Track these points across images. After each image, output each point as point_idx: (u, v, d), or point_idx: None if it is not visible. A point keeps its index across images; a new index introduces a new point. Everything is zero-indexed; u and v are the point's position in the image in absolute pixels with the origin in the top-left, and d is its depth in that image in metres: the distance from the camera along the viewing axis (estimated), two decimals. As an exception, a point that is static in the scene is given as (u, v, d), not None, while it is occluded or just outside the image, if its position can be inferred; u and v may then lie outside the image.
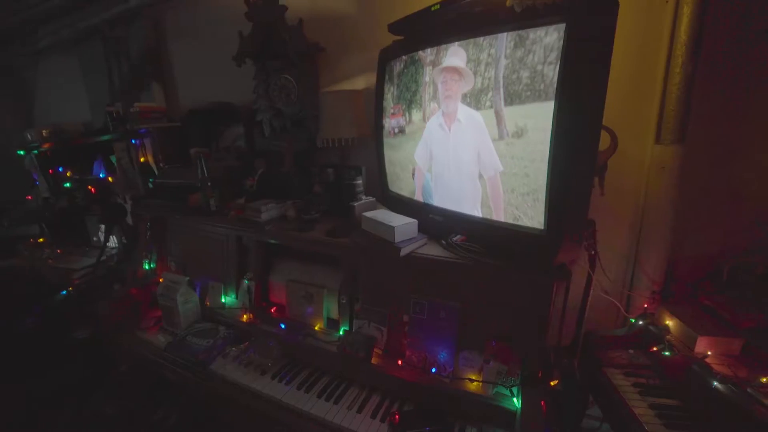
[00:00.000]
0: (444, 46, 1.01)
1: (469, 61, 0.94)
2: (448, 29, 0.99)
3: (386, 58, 1.24)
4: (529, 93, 0.82)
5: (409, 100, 1.16)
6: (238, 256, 1.48)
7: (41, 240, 2.64)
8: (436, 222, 1.12)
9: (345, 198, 1.28)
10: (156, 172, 1.86)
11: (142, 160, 1.89)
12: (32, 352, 2.37)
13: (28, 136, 2.49)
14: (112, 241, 2.22)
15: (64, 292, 2.08)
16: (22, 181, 3.12)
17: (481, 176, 0.97)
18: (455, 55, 0.98)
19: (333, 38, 1.58)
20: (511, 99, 0.86)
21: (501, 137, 0.90)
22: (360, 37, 1.53)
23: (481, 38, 0.91)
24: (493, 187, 0.95)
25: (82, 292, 2.03)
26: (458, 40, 0.97)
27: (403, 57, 1.15)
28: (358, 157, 1.53)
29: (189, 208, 1.55)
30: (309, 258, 1.37)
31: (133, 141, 1.87)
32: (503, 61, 0.86)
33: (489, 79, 0.90)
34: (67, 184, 2.44)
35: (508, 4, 0.78)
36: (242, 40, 1.59)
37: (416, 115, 1.16)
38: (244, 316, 1.44)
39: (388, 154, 1.30)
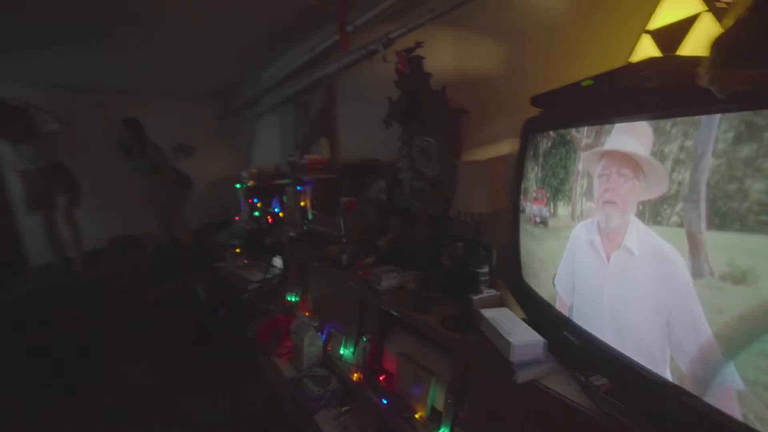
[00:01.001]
0: (608, 126, 0.76)
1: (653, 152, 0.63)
2: (612, 105, 0.76)
3: (531, 129, 1.06)
4: (760, 217, 0.50)
5: (555, 188, 0.92)
6: (360, 314, 1.52)
7: (238, 251, 3.38)
8: (570, 342, 0.86)
9: (467, 284, 1.12)
10: (309, 217, 2.13)
11: (301, 204, 2.20)
12: (221, 338, 3.02)
13: (242, 174, 3.27)
14: (278, 263, 2.65)
15: (246, 295, 2.56)
16: (235, 207, 4.15)
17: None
18: (630, 134, 0.69)
19: (477, 100, 1.51)
20: (723, 220, 0.54)
21: (700, 275, 0.58)
22: (506, 100, 1.40)
23: (667, 122, 0.62)
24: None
25: (253, 300, 2.46)
26: (630, 119, 0.70)
27: (551, 133, 0.95)
28: (492, 232, 1.37)
29: (326, 257, 1.69)
30: (425, 335, 1.28)
31: (298, 187, 2.21)
32: (709, 160, 0.56)
33: (680, 183, 0.61)
34: (257, 213, 3.09)
35: (701, 83, 0.53)
36: (391, 104, 1.69)
37: (563, 209, 0.91)
38: (355, 375, 1.44)
39: (526, 243, 1.07)
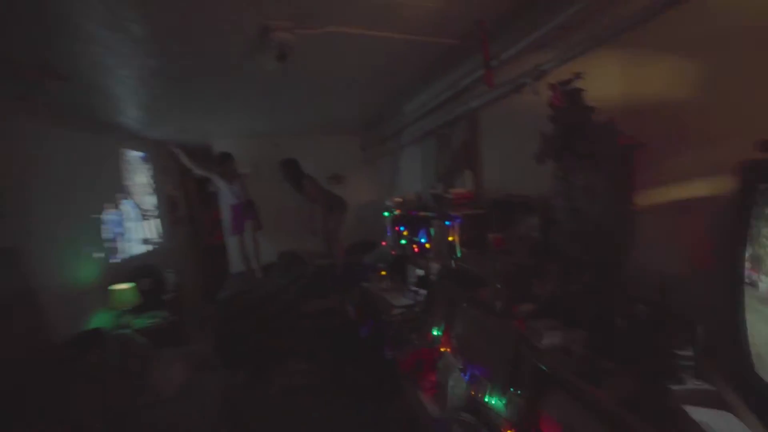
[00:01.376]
0: None
1: None
2: None
3: (757, 178, 0.83)
4: None
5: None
6: (516, 365, 1.44)
7: (383, 273, 3.65)
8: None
9: (658, 365, 0.91)
10: (458, 253, 2.16)
11: (450, 239, 2.25)
12: (365, 354, 3.32)
13: (388, 202, 3.56)
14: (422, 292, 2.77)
15: (390, 319, 2.75)
16: (380, 230, 4.53)
17: None
18: None
19: (656, 132, 1.28)
20: None
21: None
22: (701, 131, 1.15)
23: None
24: None
25: (395, 324, 2.63)
26: None
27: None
28: (686, 296, 1.12)
29: (477, 299, 1.68)
30: (596, 409, 1.13)
31: (447, 222, 2.27)
32: None
33: None
34: (403, 241, 3.30)
35: None
36: (544, 140, 1.58)
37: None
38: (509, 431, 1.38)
39: (758, 326, 0.81)
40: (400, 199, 3.43)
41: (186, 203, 5.59)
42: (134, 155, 4.08)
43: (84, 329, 2.59)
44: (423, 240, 2.88)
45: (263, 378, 3.40)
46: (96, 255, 2.96)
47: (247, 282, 3.77)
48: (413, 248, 3.13)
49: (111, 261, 3.18)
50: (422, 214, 2.81)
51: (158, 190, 4.51)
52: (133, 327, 2.84)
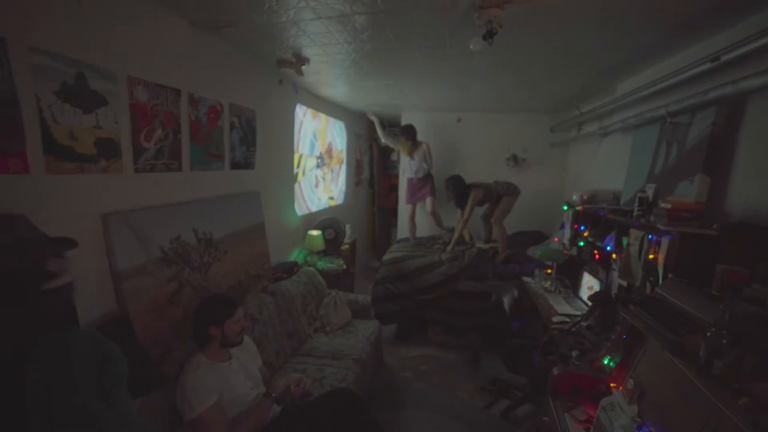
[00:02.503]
0: None
1: None
2: None
3: None
4: None
5: None
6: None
7: (549, 272, 3.27)
8: None
9: None
10: (659, 276, 1.70)
11: (650, 257, 1.78)
12: (508, 351, 3.13)
13: (574, 196, 3.09)
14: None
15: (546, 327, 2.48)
16: (552, 223, 4.02)
17: None
18: None
19: None
20: None
21: None
22: None
23: None
24: None
25: (553, 333, 2.34)
26: None
27: None
28: None
29: (680, 345, 1.29)
30: None
31: (650, 236, 1.80)
32: None
33: None
34: (581, 243, 2.83)
35: None
36: None
37: None
38: None
39: None
40: (587, 195, 2.92)
41: (369, 168, 6.30)
42: (337, 123, 4.78)
43: (286, 261, 3.31)
44: (609, 248, 2.39)
45: (406, 337, 3.67)
46: (299, 204, 3.68)
47: (410, 249, 4.02)
48: (593, 254, 2.65)
49: (309, 211, 3.91)
50: (612, 216, 2.32)
51: (349, 154, 5.20)
52: (316, 267, 3.45)
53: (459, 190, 3.98)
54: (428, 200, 4.34)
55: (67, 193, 1.46)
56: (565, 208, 3.18)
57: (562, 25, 1.89)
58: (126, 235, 1.63)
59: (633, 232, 2.01)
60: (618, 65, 2.52)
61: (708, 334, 1.16)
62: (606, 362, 1.66)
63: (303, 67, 2.73)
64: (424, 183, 4.34)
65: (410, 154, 4.27)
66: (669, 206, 1.72)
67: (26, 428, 0.81)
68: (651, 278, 1.71)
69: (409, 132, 4.24)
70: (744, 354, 1.12)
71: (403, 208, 5.11)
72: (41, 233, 0.99)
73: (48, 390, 0.83)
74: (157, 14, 1.80)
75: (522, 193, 4.74)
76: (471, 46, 1.80)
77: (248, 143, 2.65)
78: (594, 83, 3.02)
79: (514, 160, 4.75)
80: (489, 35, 1.63)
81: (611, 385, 1.52)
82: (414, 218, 4.52)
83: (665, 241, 1.69)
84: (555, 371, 1.69)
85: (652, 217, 1.86)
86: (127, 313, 1.58)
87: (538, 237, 4.27)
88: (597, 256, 2.57)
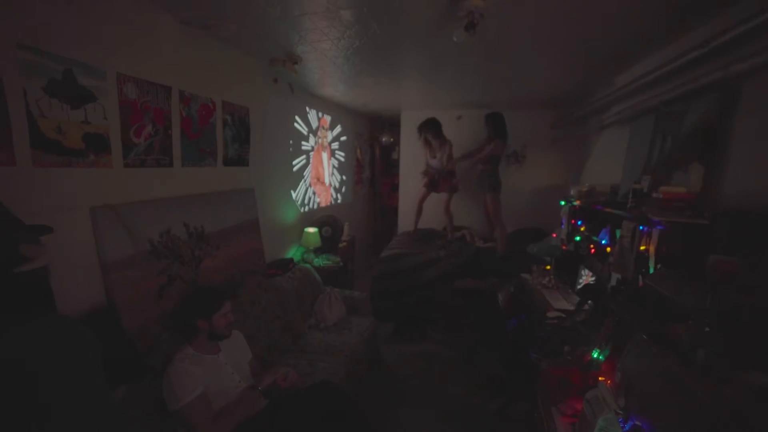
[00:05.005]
0: None
1: None
2: None
3: None
4: None
5: None
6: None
7: (548, 267, 3.23)
8: None
9: None
10: (650, 268, 1.66)
11: (642, 248, 1.74)
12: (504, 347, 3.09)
13: (571, 191, 3.04)
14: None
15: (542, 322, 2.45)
16: (552, 220, 3.98)
17: None
18: None
19: None
20: None
21: None
22: None
23: None
24: None
25: (549, 329, 2.30)
26: None
27: None
28: None
29: (662, 335, 1.26)
30: None
31: (641, 227, 1.76)
32: None
33: None
34: (577, 238, 2.79)
35: None
36: None
37: None
38: None
39: None
40: (584, 189, 2.88)
41: (370, 168, 6.31)
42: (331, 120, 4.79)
43: (282, 257, 3.33)
44: (604, 241, 2.35)
45: (404, 335, 3.65)
46: (296, 202, 3.70)
47: (410, 245, 4.00)
48: (589, 248, 2.61)
49: (306, 209, 3.93)
50: (608, 210, 2.28)
51: (348, 153, 5.21)
52: (312, 264, 3.46)
53: (500, 125, 3.91)
54: (448, 196, 4.17)
55: (56, 186, 1.49)
56: (563, 203, 3.14)
57: (545, 14, 1.86)
58: (115, 228, 1.65)
59: (625, 224, 1.97)
60: (617, 55, 2.47)
61: (690, 322, 1.13)
62: (595, 356, 1.63)
63: (296, 66, 2.75)
64: (447, 176, 4.12)
65: (430, 148, 4.09)
66: (661, 196, 1.68)
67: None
68: (642, 270, 1.68)
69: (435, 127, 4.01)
70: (729, 342, 1.09)
71: (405, 205, 5.09)
72: (15, 219, 1.01)
73: (16, 377, 0.84)
74: (147, 12, 1.84)
75: (524, 191, 4.72)
76: (454, 38, 1.79)
77: (241, 140, 2.67)
78: (591, 76, 2.98)
79: (515, 157, 4.71)
80: (471, 26, 1.62)
81: (600, 378, 1.49)
82: (422, 203, 4.30)
83: (656, 232, 1.66)
84: (543, 365, 1.67)
85: (644, 208, 1.82)
86: (115, 304, 1.60)
87: (538, 234, 4.22)
88: (593, 251, 2.53)
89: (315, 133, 4.10)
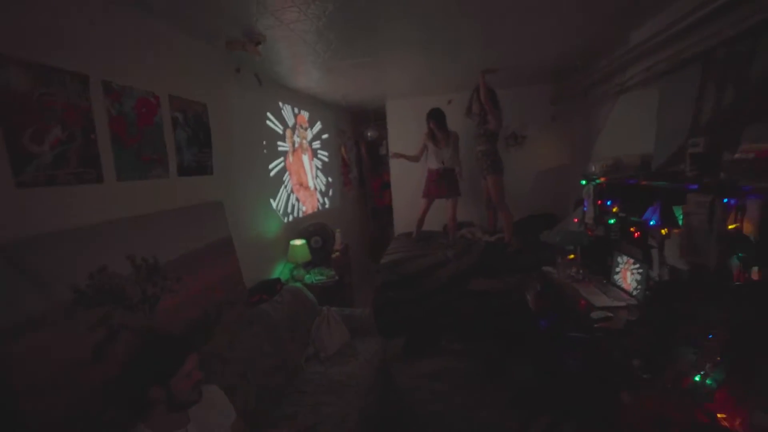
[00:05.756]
0: None
1: None
2: None
3: None
4: None
5: None
6: None
7: (572, 257, 2.83)
8: None
9: None
10: (752, 247, 1.25)
11: (731, 227, 1.33)
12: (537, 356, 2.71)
13: (592, 168, 2.64)
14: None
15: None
16: (567, 203, 3.58)
17: None
18: None
19: None
20: None
21: None
22: None
23: None
24: None
25: (598, 335, 1.89)
26: None
27: None
28: None
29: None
30: None
31: (725, 200, 1.35)
32: None
33: None
34: (612, 221, 2.39)
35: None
36: None
37: None
38: None
39: None
40: (608, 163, 2.47)
41: (357, 167, 5.83)
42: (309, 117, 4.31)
43: (267, 278, 2.84)
44: (653, 222, 1.95)
45: (417, 351, 3.19)
46: (277, 212, 3.20)
47: (411, 248, 3.56)
48: (630, 232, 2.21)
49: (290, 218, 3.43)
50: (648, 183, 1.89)
51: (332, 153, 4.73)
52: (304, 281, 2.98)
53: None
54: (454, 201, 3.69)
55: None
56: (584, 182, 2.74)
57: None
58: (5, 277, 1.15)
59: (692, 198, 1.56)
60: (626, 11, 2.08)
61: None
62: (697, 379, 1.21)
63: (259, 47, 2.27)
64: (446, 176, 3.66)
65: (435, 140, 3.63)
66: (752, 155, 1.27)
67: None
68: (740, 254, 1.26)
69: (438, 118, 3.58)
70: None
71: (399, 204, 4.67)
72: None
73: None
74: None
75: (526, 174, 4.32)
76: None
77: (200, 144, 2.18)
78: (601, 34, 2.58)
79: (514, 138, 4.32)
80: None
81: (719, 416, 1.06)
82: (425, 214, 3.84)
83: (753, 203, 1.25)
84: (626, 398, 1.24)
85: (722, 175, 1.42)
86: (12, 388, 1.10)
87: (551, 220, 3.83)
88: (636, 234, 2.12)
89: (294, 129, 3.60)
